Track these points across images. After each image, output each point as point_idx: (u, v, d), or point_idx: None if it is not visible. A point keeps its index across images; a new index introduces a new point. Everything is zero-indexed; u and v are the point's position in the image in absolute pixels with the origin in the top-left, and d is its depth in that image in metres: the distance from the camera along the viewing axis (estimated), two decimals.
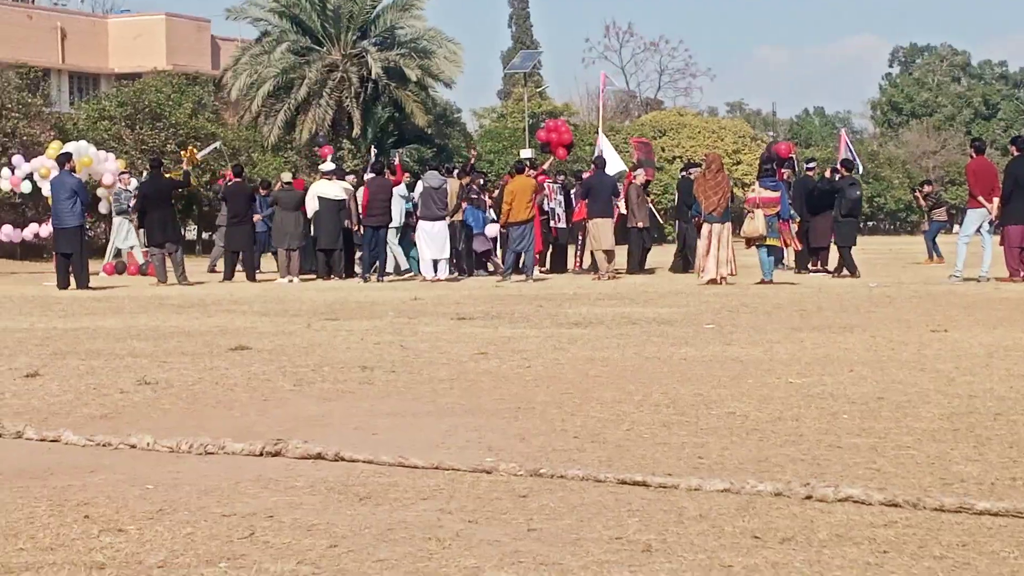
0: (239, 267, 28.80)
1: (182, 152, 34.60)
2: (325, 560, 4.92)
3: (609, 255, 26.49)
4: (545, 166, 32.74)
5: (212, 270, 31.37)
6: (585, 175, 32.76)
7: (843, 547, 5.03)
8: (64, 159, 26.80)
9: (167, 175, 30.00)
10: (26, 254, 40.30)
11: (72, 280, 24.91)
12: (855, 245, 27.12)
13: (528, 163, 35.36)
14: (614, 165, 30.83)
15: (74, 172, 26.60)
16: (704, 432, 7.68)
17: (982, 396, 8.99)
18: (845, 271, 26.35)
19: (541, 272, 30.35)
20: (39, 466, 6.88)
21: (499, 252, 30.39)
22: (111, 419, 8.48)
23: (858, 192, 26.90)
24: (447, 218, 27.41)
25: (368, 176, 29.06)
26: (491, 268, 29.92)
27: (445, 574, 4.71)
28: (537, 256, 30.67)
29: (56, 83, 57.75)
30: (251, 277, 28.18)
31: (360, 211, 27.91)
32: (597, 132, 41.14)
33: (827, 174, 31.85)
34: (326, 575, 4.72)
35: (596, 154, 29.51)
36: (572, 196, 31.24)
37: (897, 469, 6.52)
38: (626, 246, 29.88)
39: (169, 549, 5.11)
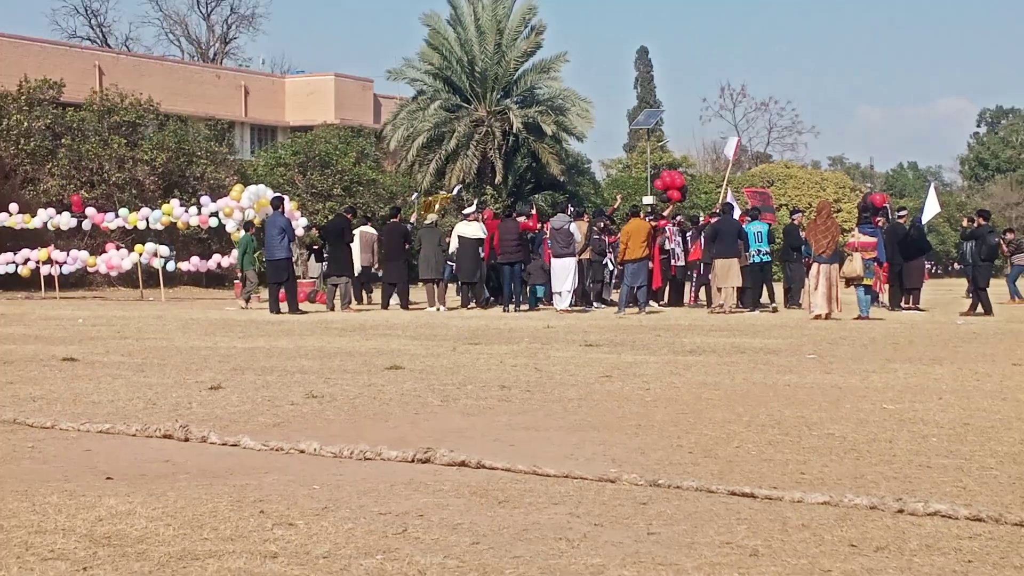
0: (394, 297, 28.97)
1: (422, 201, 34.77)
2: (468, 555, 4.94)
3: (733, 291, 26.29)
4: (666, 213, 32.76)
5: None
6: (702, 220, 32.68)
7: (931, 556, 4.96)
8: (277, 202, 27.54)
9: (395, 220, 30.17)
10: (210, 282, 40.88)
11: (283, 305, 25.52)
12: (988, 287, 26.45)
13: (650, 208, 35.43)
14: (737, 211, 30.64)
15: (284, 214, 27.08)
16: (806, 451, 7.61)
17: None
18: (980, 309, 25.72)
19: (659, 305, 30.26)
20: (221, 467, 6.97)
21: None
22: (283, 427, 8.57)
23: (996, 239, 26.38)
24: (574, 256, 27.41)
25: (500, 220, 29.24)
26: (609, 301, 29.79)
27: (574, 571, 4.71)
28: (655, 291, 30.69)
29: (239, 134, 58.59)
30: (404, 306, 28.35)
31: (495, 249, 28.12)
32: (721, 185, 41.08)
33: (964, 223, 31.93)
34: (469, 569, 4.74)
35: (726, 200, 29.25)
36: (688, 238, 31.16)
37: (981, 487, 6.42)
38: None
39: (333, 542, 5.16)
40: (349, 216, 29.67)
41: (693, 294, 31.70)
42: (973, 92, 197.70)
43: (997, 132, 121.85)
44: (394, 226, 29.29)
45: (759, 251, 27.44)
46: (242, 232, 31.53)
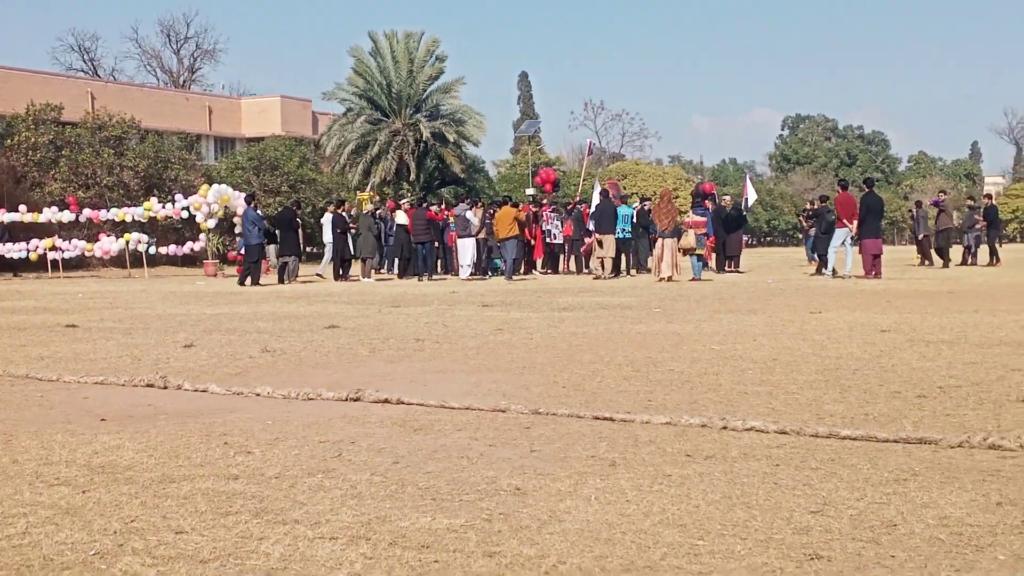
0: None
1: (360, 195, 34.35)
2: (391, 472, 4.93)
3: (610, 262, 26.34)
4: (544, 201, 33.01)
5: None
6: (569, 206, 32.78)
7: (748, 462, 5.03)
8: (250, 199, 27.43)
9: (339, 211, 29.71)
10: (184, 263, 40.32)
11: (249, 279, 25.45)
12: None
13: (532, 197, 35.51)
14: (595, 200, 30.69)
15: (256, 209, 26.91)
16: (652, 383, 7.67)
17: (845, 358, 8.97)
18: (826, 270, 25.64)
19: (540, 272, 30.38)
20: (193, 408, 6.89)
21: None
22: (243, 376, 8.49)
23: (832, 217, 26.42)
24: (472, 236, 27.46)
25: (416, 208, 29.18)
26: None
27: (473, 482, 4.71)
28: (537, 261, 30.84)
29: (205, 144, 57.70)
30: (341, 277, 28.15)
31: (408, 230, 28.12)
32: (583, 179, 41.21)
33: (808, 206, 32.62)
34: (391, 482, 4.72)
35: (600, 190, 29.18)
36: (561, 220, 31.29)
37: (786, 408, 6.51)
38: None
39: (283, 465, 5.12)
40: (295, 208, 29.41)
41: (565, 263, 31.91)
42: (778, 103, 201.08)
43: (797, 134, 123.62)
44: (337, 216, 28.89)
45: (623, 229, 27.54)
46: (223, 219, 31.34)
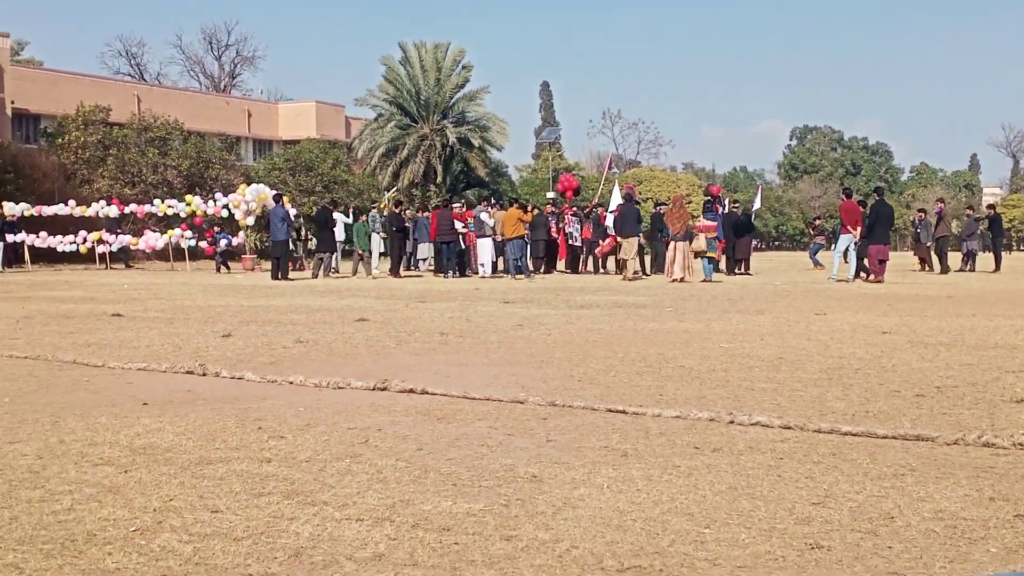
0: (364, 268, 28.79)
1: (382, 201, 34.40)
2: (414, 458, 4.93)
3: (632, 263, 26.23)
4: (566, 205, 33.04)
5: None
6: (586, 210, 32.77)
7: (754, 455, 5.02)
8: (278, 197, 27.37)
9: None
10: (223, 257, 40.43)
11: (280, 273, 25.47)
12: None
13: (552, 201, 35.53)
14: (615, 202, 30.56)
15: (284, 206, 26.97)
16: (663, 378, 7.66)
17: (848, 357, 8.94)
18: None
19: (558, 272, 30.36)
20: (229, 395, 6.92)
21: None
22: (277, 365, 8.52)
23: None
24: (488, 237, 27.50)
25: (440, 210, 29.18)
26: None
27: (492, 468, 4.72)
28: (561, 261, 30.89)
29: (244, 146, 57.87)
30: (369, 273, 28.14)
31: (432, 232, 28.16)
32: (601, 185, 41.13)
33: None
34: (415, 467, 4.73)
35: (625, 193, 28.93)
36: (582, 222, 31.28)
37: (791, 404, 6.49)
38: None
39: (313, 449, 5.13)
40: (331, 207, 29.45)
41: (583, 264, 31.88)
42: (786, 115, 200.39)
43: (804, 144, 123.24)
44: (393, 215, 28.82)
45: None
46: (261, 216, 31.33)
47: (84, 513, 3.97)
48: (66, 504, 4.10)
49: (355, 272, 27.94)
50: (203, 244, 35.37)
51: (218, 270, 33.11)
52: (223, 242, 34.29)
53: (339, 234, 29.80)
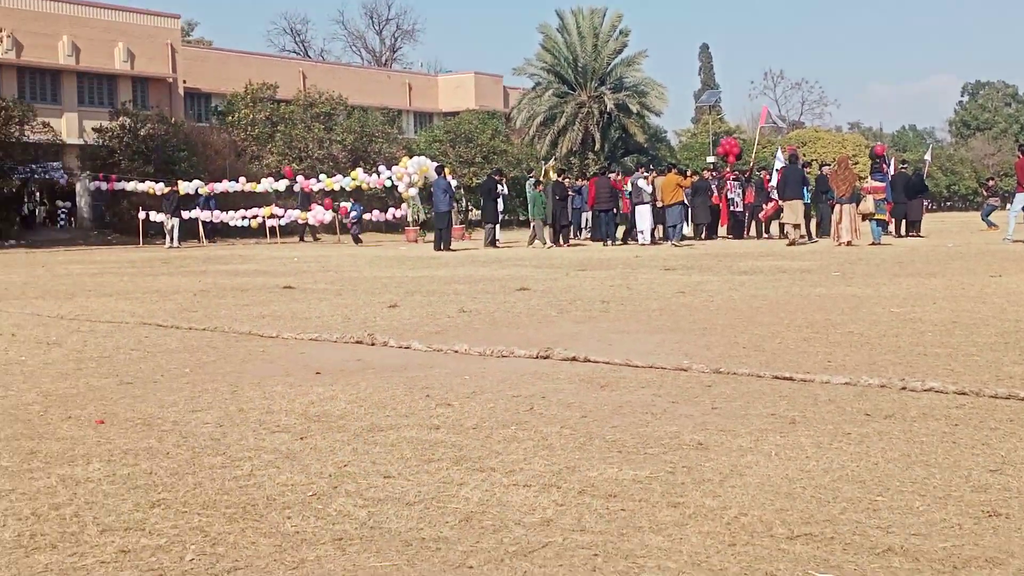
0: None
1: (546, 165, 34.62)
2: (579, 425, 4.97)
3: (797, 227, 25.76)
4: (727, 169, 32.50)
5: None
6: (746, 173, 32.21)
7: (927, 422, 4.89)
8: (440, 169, 27.72)
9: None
10: (388, 229, 41.29)
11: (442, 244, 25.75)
12: None
13: (713, 165, 35.02)
14: (778, 165, 29.93)
15: (446, 177, 27.32)
16: (831, 344, 7.50)
17: None
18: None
19: (720, 238, 29.94)
20: (398, 363, 7.07)
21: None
22: (442, 334, 8.66)
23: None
24: (646, 203, 27.25)
25: (598, 177, 29.07)
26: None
27: (656, 436, 4.71)
28: (723, 227, 30.44)
29: (406, 119, 58.81)
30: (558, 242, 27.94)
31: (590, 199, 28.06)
32: (756, 143, 40.29)
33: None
34: (579, 434, 4.76)
35: (789, 154, 28.27)
36: (742, 187, 30.77)
37: (965, 369, 6.29)
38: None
39: (479, 416, 5.21)
40: (497, 177, 29.65)
41: (747, 229, 31.37)
42: (958, 69, 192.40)
43: (977, 100, 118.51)
44: (557, 184, 28.86)
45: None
46: (413, 191, 31.85)
47: (263, 479, 4.13)
48: (246, 470, 4.27)
49: (532, 242, 27.96)
50: (369, 216, 36.13)
51: (356, 242, 33.64)
52: (353, 214, 34.90)
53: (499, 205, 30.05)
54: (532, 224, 27.99)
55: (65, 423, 5.23)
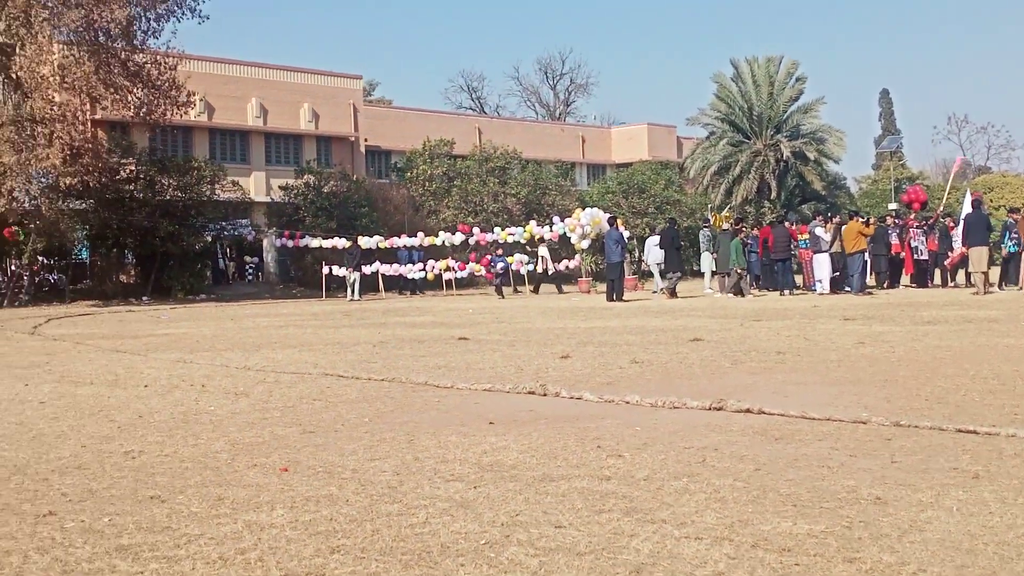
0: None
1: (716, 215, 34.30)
2: (752, 478, 4.91)
3: (984, 275, 24.77)
4: (910, 216, 31.55)
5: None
6: (931, 220, 31.21)
7: None
8: (612, 220, 27.84)
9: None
10: (564, 280, 41.53)
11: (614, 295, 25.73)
12: None
13: (895, 212, 34.10)
14: (964, 211, 28.84)
15: (618, 228, 27.42)
16: (1019, 397, 7.21)
17: None
18: None
19: (903, 286, 29.05)
20: (569, 414, 7.12)
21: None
22: (614, 385, 8.67)
23: None
24: (824, 252, 26.65)
25: (776, 225, 28.65)
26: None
27: (833, 490, 4.62)
28: (906, 276, 29.49)
29: (579, 171, 59.31)
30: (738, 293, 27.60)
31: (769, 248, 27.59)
32: (947, 192, 39.03)
33: None
34: (752, 487, 4.71)
35: (974, 200, 27.18)
36: (925, 235, 29.81)
37: None
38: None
39: (651, 468, 5.20)
40: (675, 226, 29.55)
41: (931, 278, 30.34)
42: None
43: None
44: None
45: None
46: (595, 239, 31.96)
47: (438, 526, 4.22)
48: (421, 518, 4.37)
49: (733, 291, 27.58)
50: (539, 268, 36.40)
51: (499, 295, 33.46)
52: (499, 265, 35.05)
53: (656, 255, 29.80)
54: (733, 272, 27.54)
55: (251, 471, 5.45)
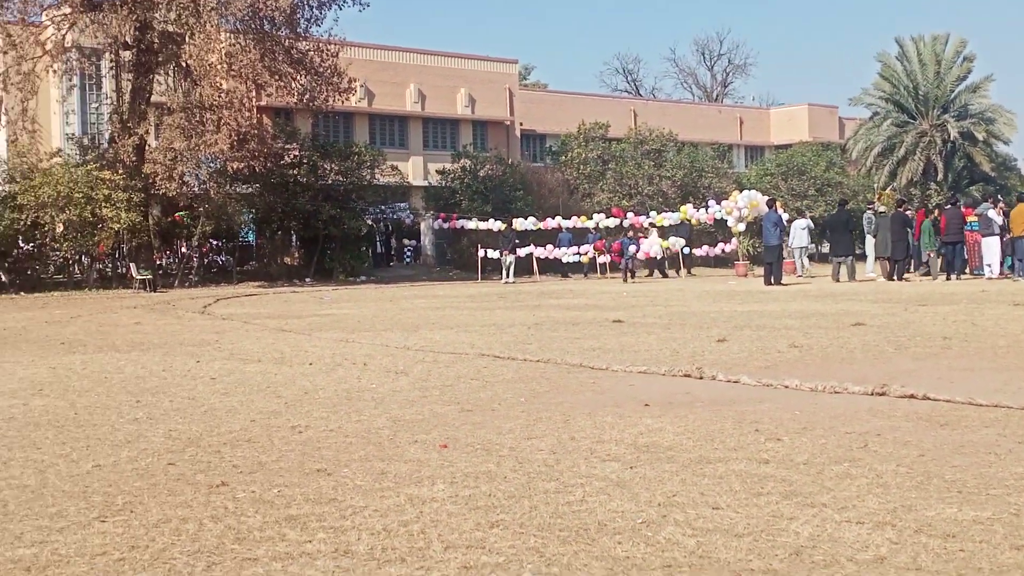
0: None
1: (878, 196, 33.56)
2: (916, 464, 4.81)
3: None
4: None
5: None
6: None
7: None
8: (771, 203, 27.49)
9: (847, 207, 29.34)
10: (717, 263, 41.06)
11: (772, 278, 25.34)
12: None
13: None
14: None
15: (777, 211, 27.04)
16: None
17: None
18: None
19: None
20: (726, 397, 7.07)
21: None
22: (772, 369, 8.57)
23: None
24: (995, 235, 25.64)
25: (947, 208, 27.69)
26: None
27: (1001, 476, 4.50)
28: None
29: (736, 153, 58.46)
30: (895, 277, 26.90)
31: (941, 231, 26.64)
32: None
33: None
34: (917, 473, 4.62)
35: None
36: None
37: None
38: None
39: (810, 452, 5.14)
40: (845, 208, 28.88)
41: None
42: None
43: None
44: (898, 215, 27.81)
45: None
46: (742, 226, 31.57)
47: (595, 504, 4.26)
48: (578, 496, 4.42)
49: (929, 273, 26.92)
50: (698, 251, 36.10)
51: (625, 279, 33.21)
52: (631, 248, 34.66)
53: (801, 239, 29.27)
54: (926, 257, 26.86)
55: (412, 446, 5.59)
